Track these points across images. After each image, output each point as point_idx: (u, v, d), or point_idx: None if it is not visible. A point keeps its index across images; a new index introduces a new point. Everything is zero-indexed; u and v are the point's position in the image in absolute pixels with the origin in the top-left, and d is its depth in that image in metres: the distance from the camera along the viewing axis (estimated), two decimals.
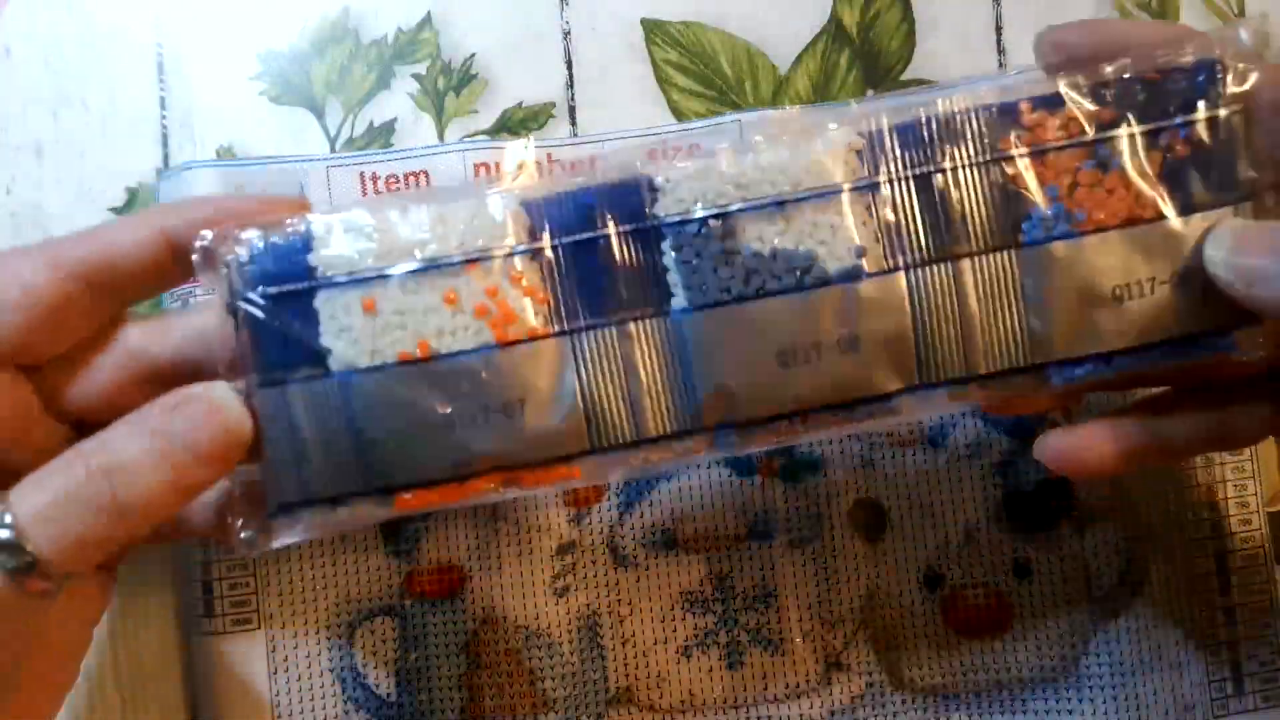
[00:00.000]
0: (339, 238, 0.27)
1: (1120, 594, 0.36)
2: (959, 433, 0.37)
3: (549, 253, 0.27)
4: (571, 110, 0.38)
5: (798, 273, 0.27)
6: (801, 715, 0.37)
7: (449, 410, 0.27)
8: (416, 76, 0.38)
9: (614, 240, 0.27)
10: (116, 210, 0.37)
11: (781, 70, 0.38)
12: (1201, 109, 0.27)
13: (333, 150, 0.37)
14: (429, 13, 0.38)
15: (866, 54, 0.38)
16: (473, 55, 0.38)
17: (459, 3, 0.38)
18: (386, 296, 0.27)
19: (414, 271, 0.27)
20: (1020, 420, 0.37)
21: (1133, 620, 0.36)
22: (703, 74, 0.38)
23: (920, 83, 0.38)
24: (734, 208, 0.27)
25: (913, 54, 0.38)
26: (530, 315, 0.27)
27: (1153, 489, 0.37)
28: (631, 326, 0.27)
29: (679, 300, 0.27)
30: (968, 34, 0.38)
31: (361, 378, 0.27)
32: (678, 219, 0.27)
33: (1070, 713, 0.36)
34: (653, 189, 0.27)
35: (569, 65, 0.38)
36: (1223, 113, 0.27)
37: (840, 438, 0.37)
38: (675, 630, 0.37)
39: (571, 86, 0.38)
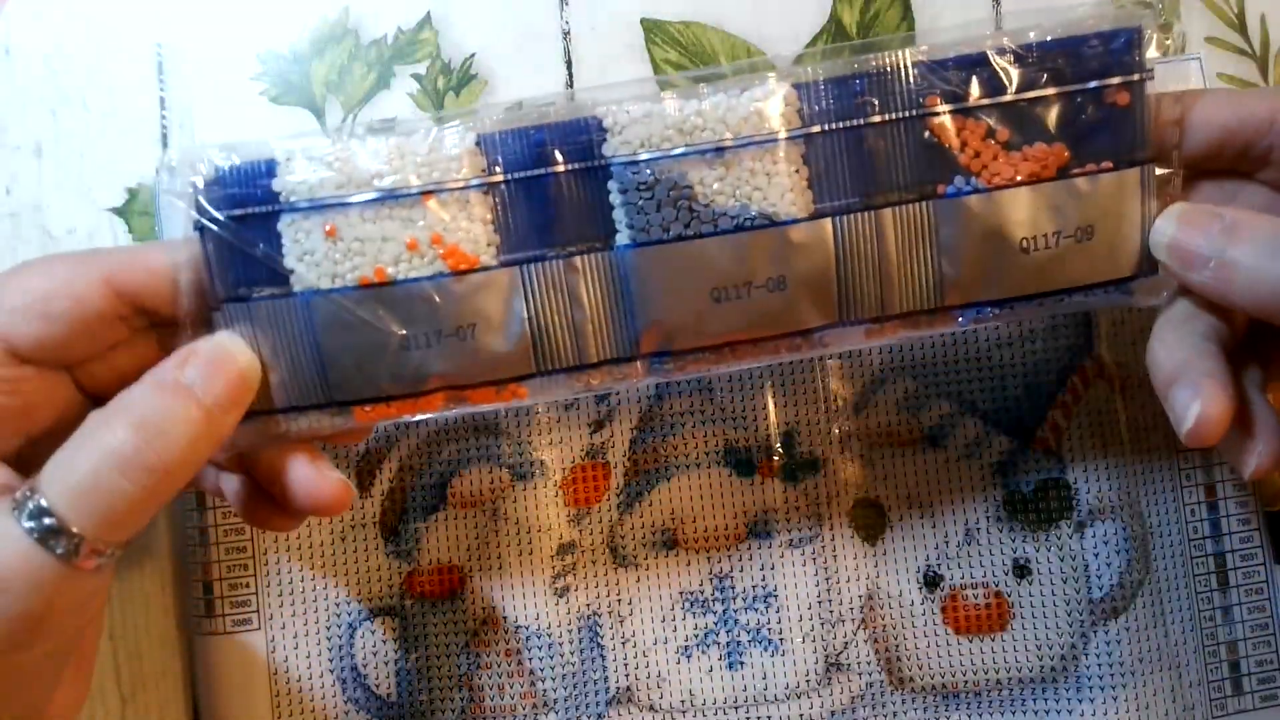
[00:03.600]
0: (301, 164, 0.28)
1: (1120, 594, 0.36)
2: (959, 433, 0.37)
3: (501, 187, 0.29)
4: None
5: (734, 216, 0.28)
6: (801, 715, 0.37)
7: (405, 333, 0.28)
8: (416, 76, 0.38)
9: (563, 178, 0.29)
10: (116, 210, 0.37)
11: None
12: (1117, 74, 0.28)
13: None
14: (429, 13, 0.38)
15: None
16: (473, 55, 0.38)
17: (459, 3, 0.38)
18: (347, 224, 0.28)
19: (373, 200, 0.28)
20: (1020, 420, 0.37)
21: (1132, 620, 0.36)
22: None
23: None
24: (676, 152, 0.28)
25: None
26: (483, 246, 0.28)
27: (1153, 489, 0.37)
28: (578, 260, 0.29)
29: (622, 237, 0.29)
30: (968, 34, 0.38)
31: (322, 299, 0.28)
32: (624, 160, 0.28)
33: (1070, 713, 0.36)
34: (602, 130, 0.29)
35: (569, 65, 0.38)
36: (1137, 78, 0.29)
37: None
38: (675, 630, 0.37)
39: (571, 86, 0.38)
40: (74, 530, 0.24)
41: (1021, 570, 0.37)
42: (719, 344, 0.29)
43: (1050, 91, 0.28)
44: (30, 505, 0.24)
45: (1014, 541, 0.37)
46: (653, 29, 0.38)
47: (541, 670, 0.36)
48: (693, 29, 0.38)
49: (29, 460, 0.27)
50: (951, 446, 0.37)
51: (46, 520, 0.24)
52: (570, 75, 0.38)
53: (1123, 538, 0.36)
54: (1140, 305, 0.30)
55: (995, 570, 0.37)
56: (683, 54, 0.38)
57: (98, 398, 0.29)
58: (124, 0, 0.37)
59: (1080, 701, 0.36)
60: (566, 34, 0.38)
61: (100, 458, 0.25)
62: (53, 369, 0.28)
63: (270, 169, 0.28)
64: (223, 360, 0.27)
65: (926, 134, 0.28)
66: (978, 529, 0.37)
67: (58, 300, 0.27)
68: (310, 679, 0.36)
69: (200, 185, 0.28)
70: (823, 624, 0.37)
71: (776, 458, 0.37)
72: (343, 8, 0.38)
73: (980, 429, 0.37)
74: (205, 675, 0.36)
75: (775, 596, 0.37)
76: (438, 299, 0.28)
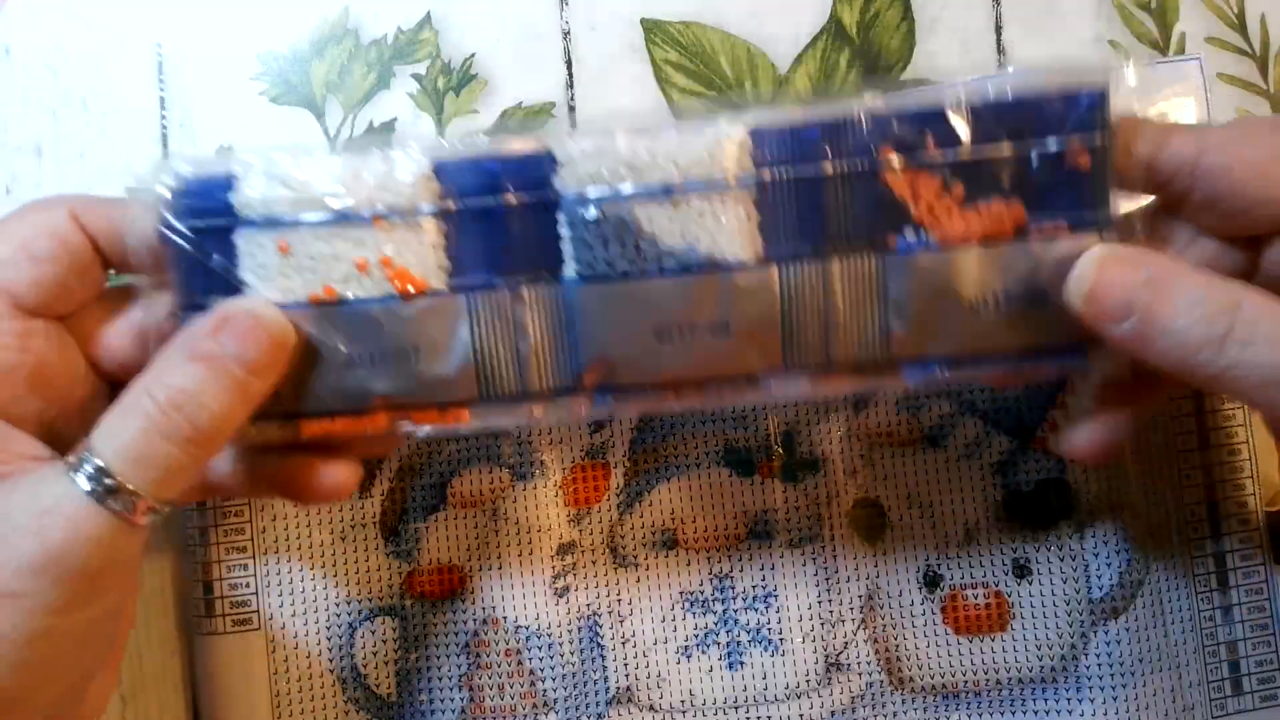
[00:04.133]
0: (258, 181, 0.29)
1: (1120, 594, 0.36)
2: (959, 433, 0.37)
3: (454, 214, 0.29)
4: (571, 110, 0.38)
5: (679, 257, 0.28)
6: (801, 715, 0.37)
7: (349, 351, 0.29)
8: (416, 76, 0.38)
9: (515, 209, 0.29)
10: None
11: (781, 70, 0.38)
12: (1079, 136, 0.28)
13: (332, 150, 0.37)
14: (429, 13, 0.38)
15: (866, 54, 0.38)
16: (472, 55, 0.38)
17: (459, 3, 0.38)
18: (300, 241, 0.29)
19: (326, 220, 0.29)
20: (1020, 420, 0.37)
21: (1132, 620, 0.36)
22: (703, 74, 0.38)
23: (921, 83, 0.38)
24: (625, 189, 0.28)
25: (913, 53, 0.38)
26: (432, 270, 0.29)
27: (1153, 489, 0.37)
28: (524, 290, 0.29)
29: (569, 270, 0.29)
30: (968, 34, 0.38)
31: None
32: (574, 195, 0.29)
33: (1070, 713, 0.36)
34: (554, 163, 0.29)
35: (569, 65, 0.38)
36: (1099, 141, 0.28)
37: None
38: (675, 630, 0.37)
39: (571, 86, 0.38)
40: (130, 488, 0.25)
41: (1021, 570, 0.37)
42: (662, 383, 0.29)
43: (1008, 150, 0.28)
44: (88, 467, 0.25)
45: (1014, 541, 0.37)
46: (653, 29, 0.38)
47: (541, 670, 0.36)
48: (693, 29, 0.38)
49: (49, 440, 0.28)
50: (951, 446, 0.37)
51: (107, 481, 0.25)
52: (570, 75, 0.38)
53: (1122, 538, 0.36)
54: (1099, 373, 0.29)
55: (995, 570, 0.37)
56: (683, 54, 0.38)
57: (103, 373, 0.30)
58: (124, 0, 0.37)
59: (1080, 701, 0.36)
60: (566, 34, 0.38)
61: (146, 426, 0.26)
62: (55, 321, 0.29)
63: (230, 183, 0.29)
64: (254, 327, 0.28)
65: (880, 186, 0.28)
66: (978, 529, 0.37)
67: (41, 241, 0.28)
68: (310, 679, 0.36)
69: (165, 196, 0.29)
70: (823, 624, 0.37)
71: (776, 458, 0.37)
72: (343, 8, 0.38)
73: (980, 429, 0.37)
74: (205, 675, 0.36)
75: (775, 596, 0.37)
76: (383, 320, 0.29)
